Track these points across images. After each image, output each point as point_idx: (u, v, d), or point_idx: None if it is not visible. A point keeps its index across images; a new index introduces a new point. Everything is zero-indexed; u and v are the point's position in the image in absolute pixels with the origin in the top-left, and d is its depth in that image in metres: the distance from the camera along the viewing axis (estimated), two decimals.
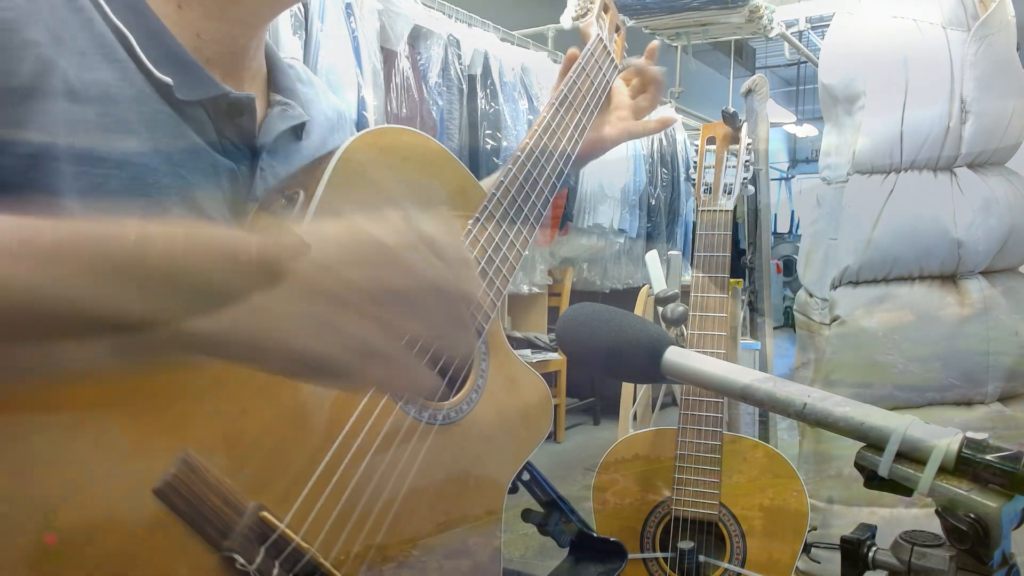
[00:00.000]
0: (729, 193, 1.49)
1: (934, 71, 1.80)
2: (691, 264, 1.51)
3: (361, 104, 2.63)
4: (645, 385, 2.00)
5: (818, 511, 1.88)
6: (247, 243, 0.46)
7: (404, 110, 2.85)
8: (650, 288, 1.99)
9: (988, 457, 0.43)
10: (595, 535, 0.86)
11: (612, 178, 4.20)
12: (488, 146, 3.21)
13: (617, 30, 1.04)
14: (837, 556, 0.49)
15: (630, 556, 1.39)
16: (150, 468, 0.49)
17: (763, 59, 8.58)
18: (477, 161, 3.19)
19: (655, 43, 1.01)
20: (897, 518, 1.77)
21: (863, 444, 0.47)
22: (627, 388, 2.07)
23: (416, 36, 2.97)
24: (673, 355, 0.57)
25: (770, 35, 3.91)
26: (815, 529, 1.50)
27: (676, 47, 4.31)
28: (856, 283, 1.92)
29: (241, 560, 0.52)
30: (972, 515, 0.42)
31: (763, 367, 2.10)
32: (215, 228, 0.54)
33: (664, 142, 4.77)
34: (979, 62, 1.79)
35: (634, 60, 0.97)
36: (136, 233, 0.43)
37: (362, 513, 0.60)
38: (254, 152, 0.66)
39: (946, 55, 1.80)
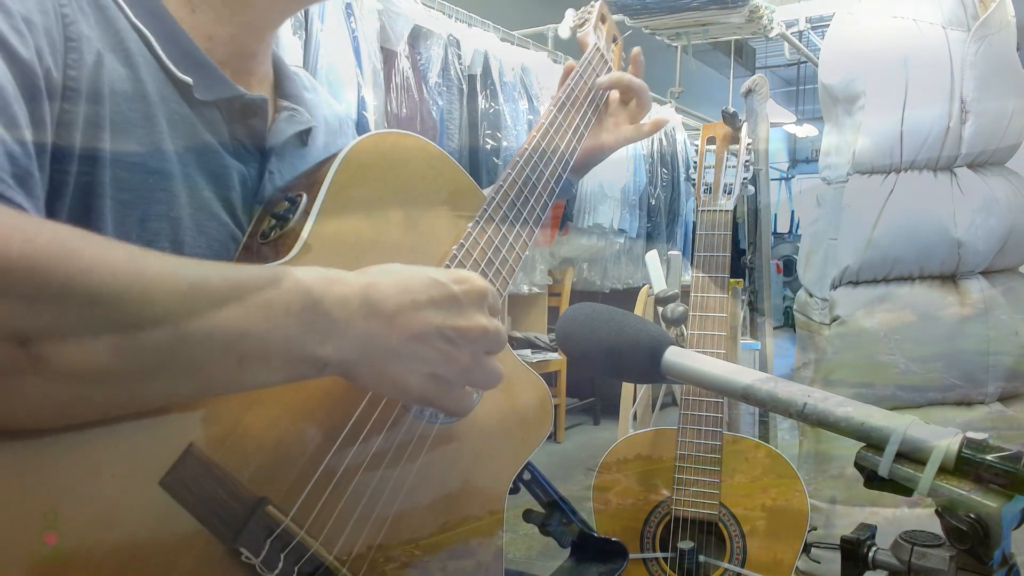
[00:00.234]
0: (729, 193, 1.49)
1: (934, 71, 1.80)
2: (691, 264, 1.51)
3: (361, 104, 2.63)
4: (645, 385, 2.00)
5: (821, 511, 1.88)
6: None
7: (404, 110, 2.85)
8: (650, 288, 1.99)
9: (988, 457, 0.43)
10: (596, 535, 0.86)
11: (612, 178, 4.20)
12: (488, 146, 3.21)
13: (615, 40, 1.06)
14: (837, 556, 0.49)
15: (630, 556, 1.39)
16: (157, 461, 0.50)
17: (763, 59, 8.58)
18: (477, 161, 3.19)
19: (637, 49, 1.03)
20: (901, 518, 1.77)
21: (863, 444, 0.48)
22: (627, 388, 2.07)
23: (416, 36, 2.97)
24: (673, 355, 0.57)
25: (770, 35, 3.91)
26: (815, 529, 1.50)
27: (676, 47, 4.31)
28: (856, 283, 1.92)
29: (247, 553, 0.52)
30: (972, 515, 0.42)
31: (763, 367, 2.10)
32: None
33: (664, 142, 4.77)
34: (979, 62, 1.79)
35: (614, 74, 0.97)
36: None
37: (364, 510, 0.61)
38: (263, 155, 0.67)
39: (946, 55, 1.80)
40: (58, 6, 0.54)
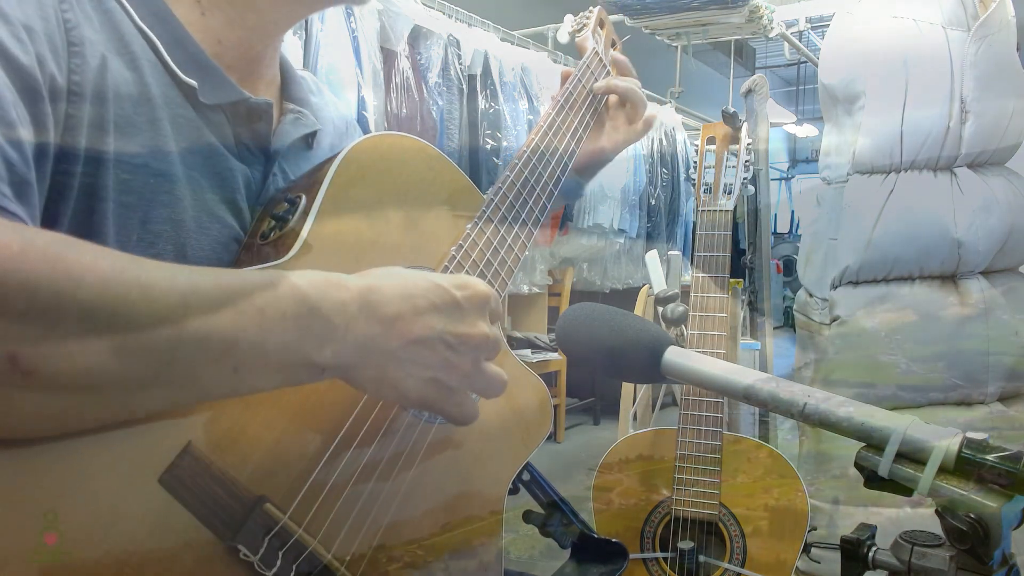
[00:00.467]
0: (729, 193, 1.49)
1: (934, 71, 1.80)
2: (691, 264, 1.51)
3: (361, 104, 2.64)
4: (645, 385, 2.00)
5: (824, 512, 1.88)
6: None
7: (404, 110, 2.85)
8: (650, 288, 1.99)
9: (988, 457, 0.43)
10: (596, 536, 0.86)
11: (612, 178, 4.20)
12: (488, 146, 3.21)
13: (613, 45, 1.07)
14: (837, 556, 0.49)
15: (631, 556, 1.39)
16: (156, 459, 0.50)
17: (763, 59, 8.57)
18: (477, 161, 3.19)
19: (617, 54, 1.03)
20: (903, 518, 1.77)
21: (863, 444, 0.47)
22: (627, 388, 2.07)
23: (416, 36, 2.97)
24: (673, 355, 0.57)
25: (770, 35, 3.91)
26: (815, 529, 1.50)
27: (676, 47, 4.31)
28: (856, 283, 1.92)
29: (245, 551, 0.53)
30: (972, 515, 0.42)
31: (763, 367, 2.10)
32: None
33: (664, 142, 4.76)
34: (979, 62, 1.79)
35: (607, 79, 0.98)
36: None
37: (363, 509, 0.61)
38: (267, 157, 0.68)
39: (946, 55, 1.80)
40: (60, 11, 0.54)
